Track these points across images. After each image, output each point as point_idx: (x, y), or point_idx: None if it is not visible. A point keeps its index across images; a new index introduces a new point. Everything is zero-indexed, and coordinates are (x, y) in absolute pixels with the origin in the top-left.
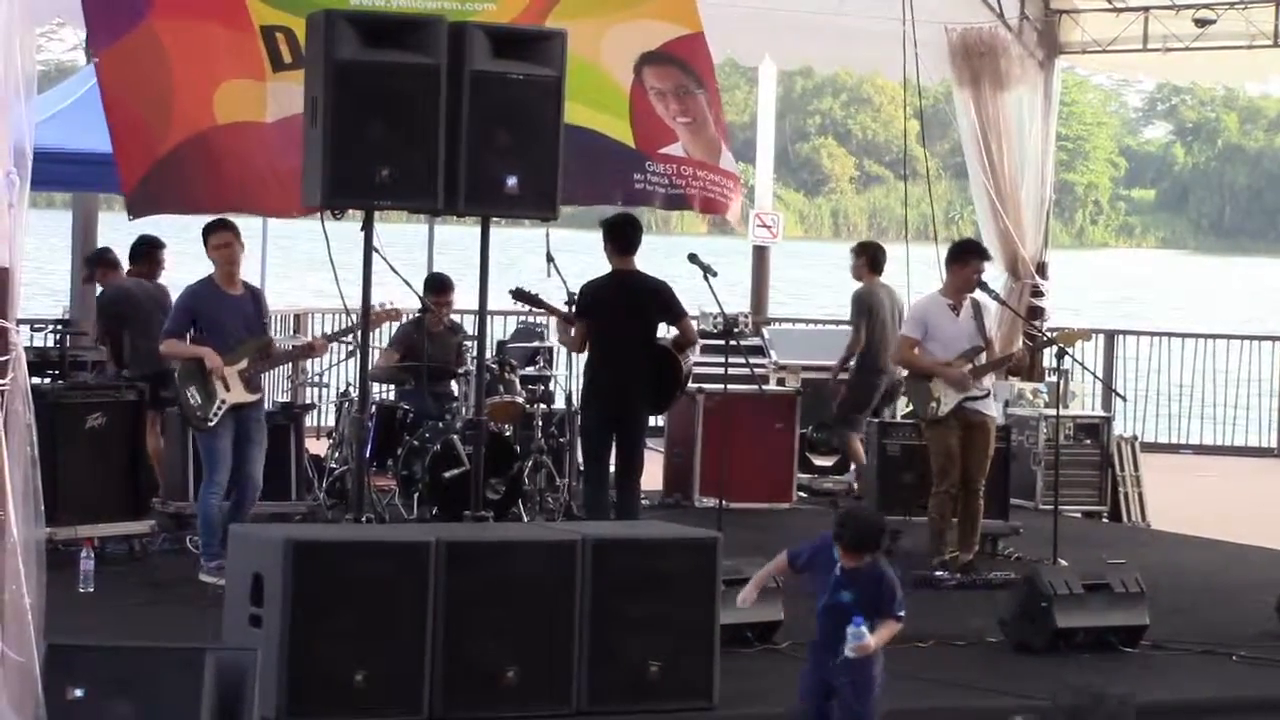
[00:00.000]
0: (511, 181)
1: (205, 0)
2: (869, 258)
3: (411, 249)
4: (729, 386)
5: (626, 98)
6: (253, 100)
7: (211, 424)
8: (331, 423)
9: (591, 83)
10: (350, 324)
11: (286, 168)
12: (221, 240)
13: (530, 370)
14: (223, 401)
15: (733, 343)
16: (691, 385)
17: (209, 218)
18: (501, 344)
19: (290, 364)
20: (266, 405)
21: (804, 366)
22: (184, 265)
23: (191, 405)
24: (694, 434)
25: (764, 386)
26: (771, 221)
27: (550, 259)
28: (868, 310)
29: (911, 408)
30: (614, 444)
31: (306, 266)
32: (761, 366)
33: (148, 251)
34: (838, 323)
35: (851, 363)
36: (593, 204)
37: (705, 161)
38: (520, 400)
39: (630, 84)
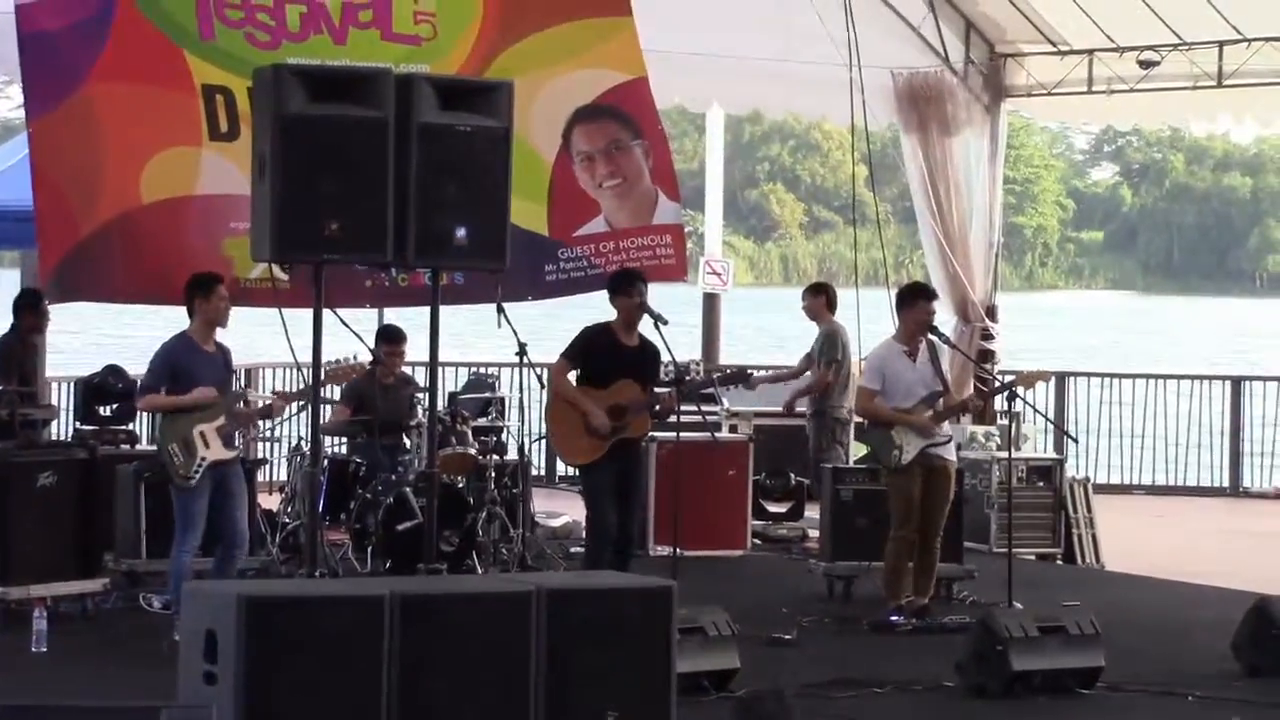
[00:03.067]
0: (461, 233)
1: (146, 61)
2: (827, 297)
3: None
4: (681, 435)
5: (547, 178)
6: (184, 171)
7: (193, 482)
8: (284, 477)
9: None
10: (306, 383)
11: (209, 244)
12: (220, 296)
13: (482, 421)
14: (203, 459)
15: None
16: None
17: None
18: (453, 395)
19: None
20: None
21: (756, 413)
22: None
23: (175, 464)
24: (647, 483)
25: (716, 434)
26: (721, 269)
27: (501, 309)
28: (841, 348)
29: (869, 453)
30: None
31: (253, 321)
32: (714, 414)
33: (31, 305)
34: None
35: (805, 401)
36: (502, 301)
37: (631, 228)
38: (472, 452)
39: (554, 156)
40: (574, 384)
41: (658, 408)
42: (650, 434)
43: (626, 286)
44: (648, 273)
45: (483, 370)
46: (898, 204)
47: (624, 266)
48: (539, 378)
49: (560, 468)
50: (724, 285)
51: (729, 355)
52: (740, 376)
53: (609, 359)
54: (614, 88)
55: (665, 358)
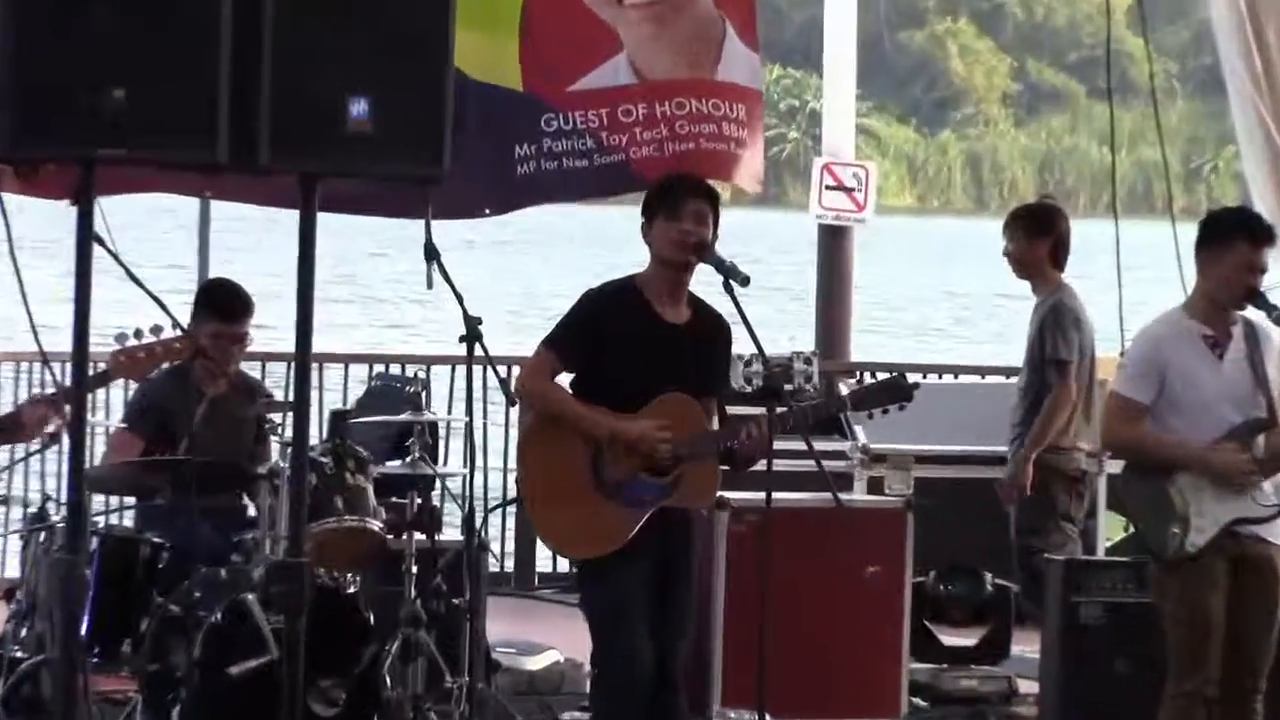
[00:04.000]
0: (359, 109)
1: None
2: (1054, 236)
3: (184, 228)
4: (776, 496)
5: None
6: None
7: None
8: (12, 572)
9: None
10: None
11: None
12: None
13: (396, 467)
14: None
15: (782, 410)
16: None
17: None
18: (341, 417)
19: None
20: None
21: (920, 456)
22: None
23: None
24: (712, 587)
25: (845, 497)
26: (854, 181)
27: (432, 257)
28: (1079, 334)
29: (1132, 531)
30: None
31: None
32: (837, 456)
33: None
34: (983, 371)
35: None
36: (444, 218)
37: (680, 81)
38: (376, 526)
39: None
40: (567, 395)
41: (735, 446)
42: (719, 493)
43: (674, 204)
44: (712, 163)
45: (402, 372)
46: (1189, 63)
47: (668, 157)
48: (502, 385)
49: (544, 556)
50: (859, 211)
51: (869, 347)
52: (895, 390)
53: (638, 349)
54: None
55: (744, 350)
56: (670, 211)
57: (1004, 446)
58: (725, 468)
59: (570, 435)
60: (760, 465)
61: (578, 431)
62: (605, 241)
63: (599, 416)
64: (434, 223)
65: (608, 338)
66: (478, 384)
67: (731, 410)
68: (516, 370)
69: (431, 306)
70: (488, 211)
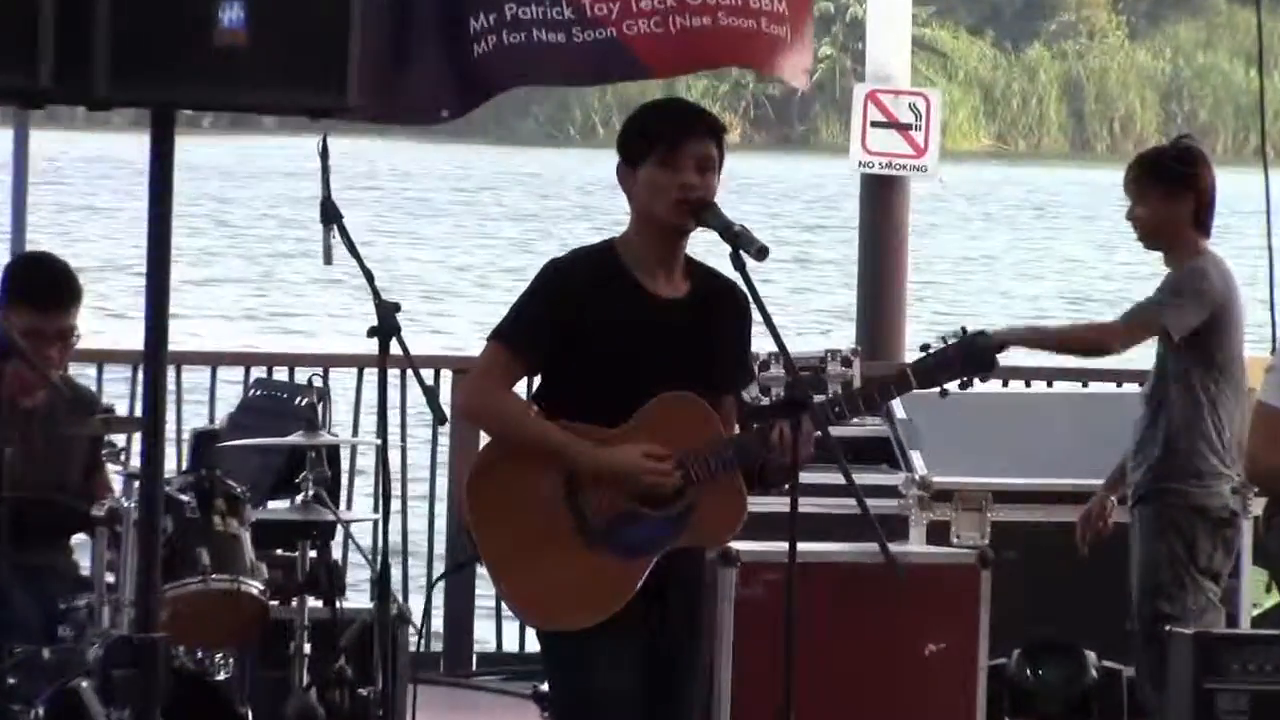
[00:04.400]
0: (232, 15)
1: None
2: (1195, 192)
3: None
4: (803, 546)
5: None
6: None
7: None
8: None
9: None
10: None
11: None
12: None
13: (284, 507)
14: None
15: (815, 428)
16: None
17: None
18: (207, 440)
19: None
20: None
21: (1000, 491)
22: None
23: None
24: (715, 669)
25: (897, 548)
26: (910, 116)
27: (331, 220)
28: (1221, 320)
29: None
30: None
31: None
32: (886, 492)
33: None
34: (1089, 376)
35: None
36: (394, 123)
37: None
38: (256, 589)
39: None
40: (528, 411)
41: (764, 466)
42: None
43: (671, 144)
44: (747, 49)
45: (290, 379)
46: None
47: (674, 35)
48: (429, 396)
49: (483, 630)
50: (917, 156)
51: (925, 332)
52: (972, 353)
53: (622, 336)
54: None
55: (758, 348)
56: (665, 154)
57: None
58: (760, 488)
59: (536, 465)
60: (780, 498)
61: (546, 461)
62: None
63: (572, 440)
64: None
65: (581, 324)
66: (395, 394)
67: (754, 419)
68: (452, 377)
69: (333, 288)
70: (445, 114)
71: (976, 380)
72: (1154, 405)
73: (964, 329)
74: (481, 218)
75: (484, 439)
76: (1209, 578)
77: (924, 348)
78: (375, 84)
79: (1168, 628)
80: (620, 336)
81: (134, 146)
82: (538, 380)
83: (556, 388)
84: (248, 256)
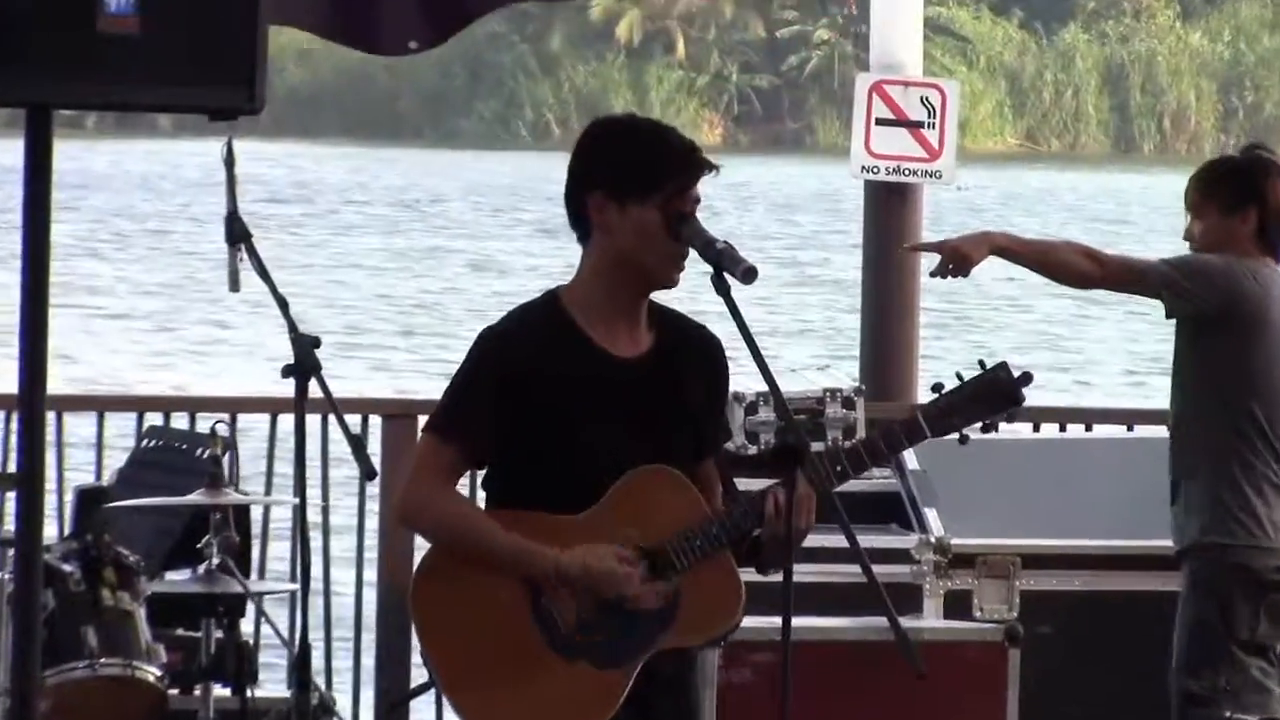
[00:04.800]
0: (120, 0)
1: None
2: (1261, 206)
3: None
4: (799, 621)
5: None
6: None
7: None
8: None
9: None
10: None
11: None
12: None
13: (185, 578)
14: None
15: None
16: None
17: None
18: (94, 499)
19: None
20: None
21: (1030, 555)
22: None
23: None
24: None
25: (910, 624)
26: (923, 111)
27: (239, 240)
28: (1225, 313)
29: None
30: None
31: None
32: (896, 557)
33: None
34: (1132, 418)
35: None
36: (363, 49)
37: None
38: (152, 675)
39: None
40: (475, 513)
41: (755, 541)
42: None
43: (678, 178)
44: None
45: (191, 427)
46: None
47: None
48: (355, 446)
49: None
50: (930, 159)
51: (945, 378)
52: (996, 391)
53: (578, 408)
54: None
55: (745, 387)
56: (673, 198)
57: (1167, 539)
58: (752, 565)
59: (490, 571)
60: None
61: (501, 569)
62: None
63: (530, 547)
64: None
65: (529, 399)
66: (315, 444)
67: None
68: (382, 424)
69: (240, 320)
70: (413, 45)
71: (1001, 423)
72: (1187, 437)
73: (982, 362)
74: (420, 234)
75: None
76: (1252, 652)
77: (936, 388)
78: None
79: (1212, 709)
80: (576, 407)
81: (8, 151)
82: (484, 473)
83: (507, 474)
84: (136, 285)
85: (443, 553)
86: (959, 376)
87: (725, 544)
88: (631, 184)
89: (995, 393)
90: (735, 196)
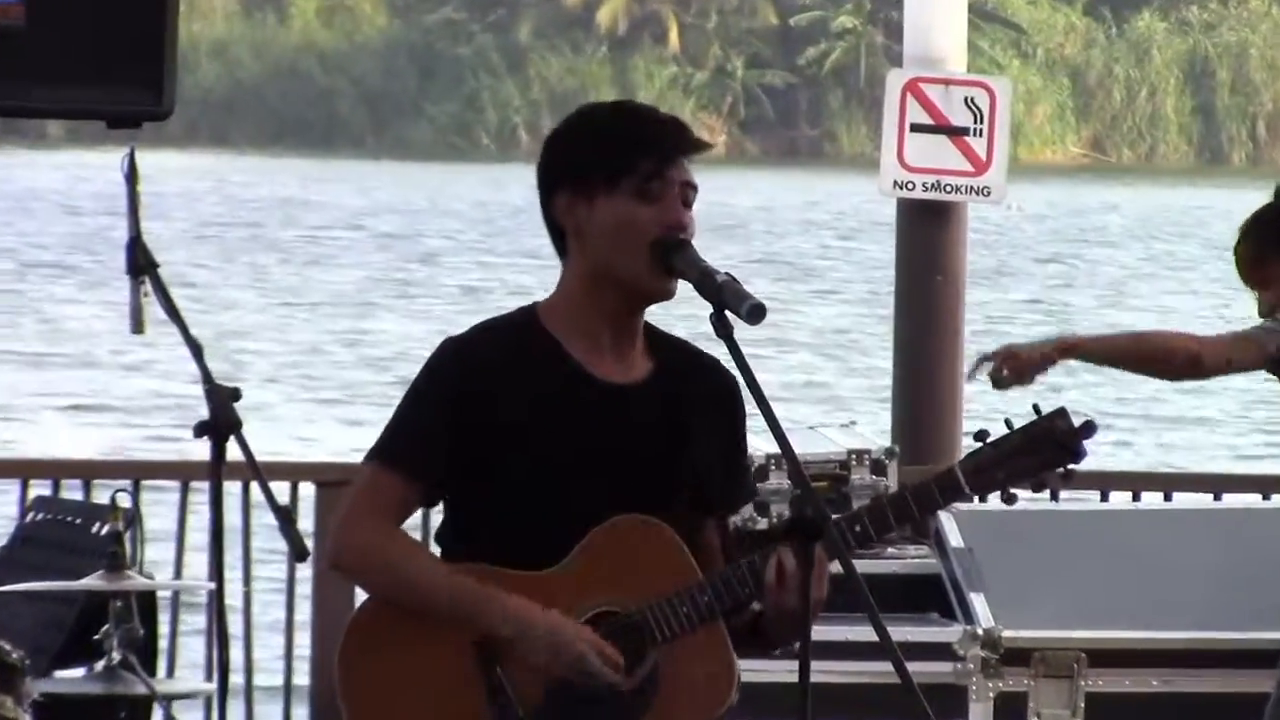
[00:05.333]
0: None
1: None
2: None
3: None
4: None
5: None
6: None
7: None
8: None
9: None
10: None
11: None
12: None
13: (78, 677)
14: None
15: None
16: None
17: None
18: None
19: None
20: None
21: (1097, 651)
22: None
23: None
24: None
25: None
26: (967, 115)
27: (143, 271)
28: None
29: None
30: None
31: None
32: (936, 652)
33: None
34: (1224, 484)
35: None
36: None
37: None
38: None
39: None
40: (424, 556)
41: (758, 617)
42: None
43: (657, 163)
44: None
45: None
46: None
47: None
48: (283, 521)
49: None
50: (977, 173)
51: (981, 417)
52: (1051, 441)
53: (554, 438)
54: None
55: (754, 448)
56: (648, 180)
57: (1259, 630)
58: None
59: (436, 627)
60: (786, 663)
61: (451, 622)
62: None
63: (491, 595)
64: None
65: (493, 424)
66: (235, 516)
67: (746, 543)
68: (316, 493)
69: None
70: None
71: (1058, 487)
72: None
73: (1036, 407)
74: (357, 264)
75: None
76: None
77: (979, 435)
78: None
79: None
80: (551, 439)
81: None
82: (438, 512)
83: (464, 518)
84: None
85: (379, 608)
86: (1008, 424)
87: (717, 614)
88: (596, 169)
89: (1049, 444)
90: (740, 218)
